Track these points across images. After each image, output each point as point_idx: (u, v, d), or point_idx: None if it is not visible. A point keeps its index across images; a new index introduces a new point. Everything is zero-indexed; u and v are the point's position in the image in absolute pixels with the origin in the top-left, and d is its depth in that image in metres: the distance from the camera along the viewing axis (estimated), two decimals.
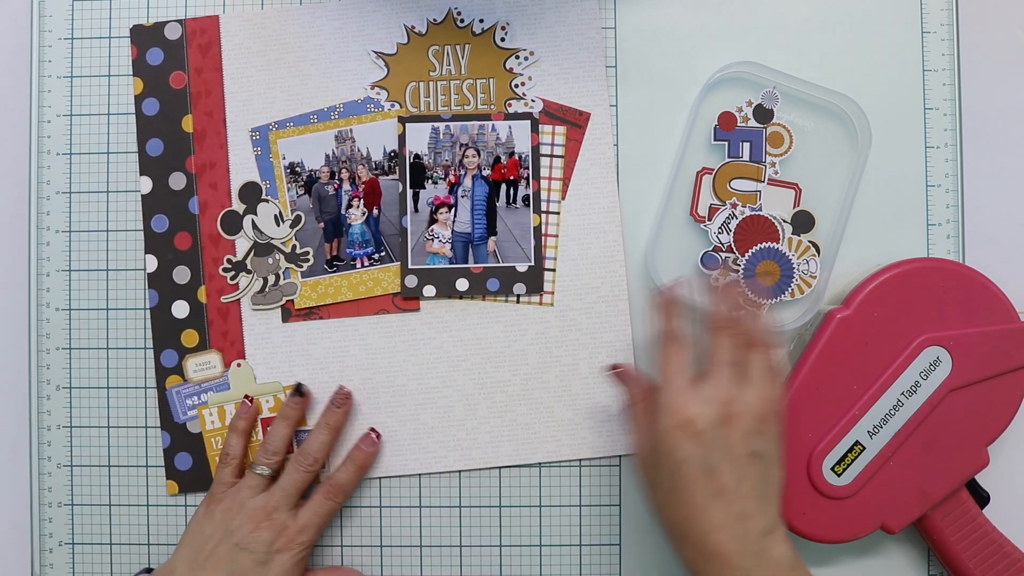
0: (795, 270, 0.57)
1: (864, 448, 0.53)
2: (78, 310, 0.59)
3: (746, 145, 0.58)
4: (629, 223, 0.59)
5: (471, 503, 0.59)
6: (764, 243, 0.57)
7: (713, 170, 0.58)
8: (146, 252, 0.59)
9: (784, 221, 0.57)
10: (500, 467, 0.59)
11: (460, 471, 0.59)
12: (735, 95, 0.58)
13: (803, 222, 0.58)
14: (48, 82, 0.60)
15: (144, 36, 0.59)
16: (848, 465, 0.53)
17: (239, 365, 0.59)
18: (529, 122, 0.59)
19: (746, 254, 0.57)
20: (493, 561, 0.59)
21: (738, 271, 0.56)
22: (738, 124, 0.58)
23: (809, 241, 0.57)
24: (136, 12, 0.60)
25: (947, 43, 0.59)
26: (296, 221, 0.59)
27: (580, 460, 0.58)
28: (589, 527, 0.59)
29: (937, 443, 0.53)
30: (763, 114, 0.58)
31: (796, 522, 0.53)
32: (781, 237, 0.57)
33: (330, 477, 0.56)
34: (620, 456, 0.59)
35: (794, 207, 0.58)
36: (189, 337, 0.59)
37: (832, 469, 0.53)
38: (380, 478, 0.59)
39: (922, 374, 0.53)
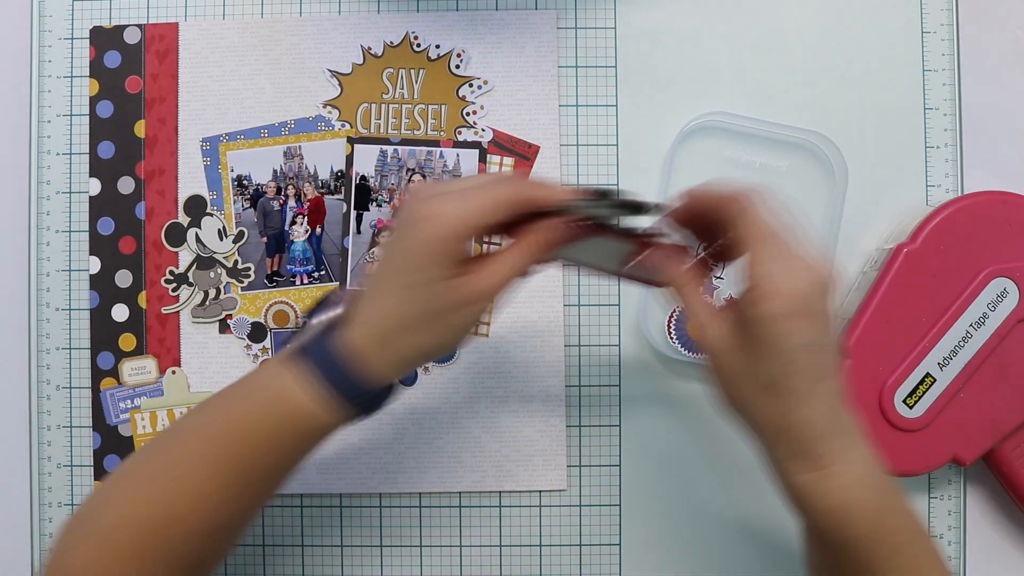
0: None
1: (935, 380, 0.53)
2: (78, 310, 0.59)
3: None
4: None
5: (471, 503, 0.59)
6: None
7: None
8: (90, 253, 0.59)
9: None
10: (422, 492, 0.59)
11: (381, 494, 0.59)
12: (708, 144, 0.58)
13: None
14: (48, 82, 0.60)
15: (103, 38, 0.59)
16: (920, 397, 0.53)
17: (174, 372, 0.59)
18: (477, 151, 0.59)
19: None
20: (493, 561, 0.59)
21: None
22: None
23: None
24: (136, 12, 0.60)
25: (947, 43, 0.59)
26: (239, 236, 0.59)
27: (500, 491, 0.58)
28: (589, 527, 0.59)
29: (1007, 374, 0.54)
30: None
31: None
32: None
33: None
34: (540, 491, 0.58)
35: None
36: (127, 341, 0.59)
37: (904, 401, 0.53)
38: (301, 495, 0.58)
39: (989, 305, 0.53)
